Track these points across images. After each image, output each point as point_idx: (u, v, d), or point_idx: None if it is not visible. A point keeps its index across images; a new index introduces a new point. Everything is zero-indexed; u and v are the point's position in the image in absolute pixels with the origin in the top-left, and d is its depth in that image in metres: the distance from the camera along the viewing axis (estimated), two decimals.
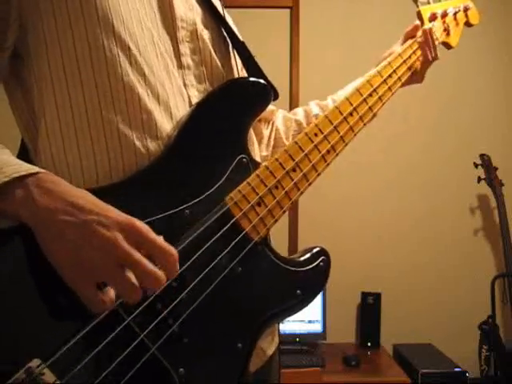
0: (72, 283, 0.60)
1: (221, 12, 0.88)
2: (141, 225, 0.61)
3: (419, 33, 1.11)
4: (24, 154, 0.80)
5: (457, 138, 2.86)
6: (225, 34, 0.88)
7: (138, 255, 0.60)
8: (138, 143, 0.73)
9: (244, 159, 0.80)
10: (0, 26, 0.72)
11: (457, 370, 2.43)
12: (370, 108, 0.94)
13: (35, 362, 0.58)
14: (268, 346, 0.88)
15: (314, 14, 2.83)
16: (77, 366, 0.60)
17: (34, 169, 0.63)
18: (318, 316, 2.65)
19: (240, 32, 0.92)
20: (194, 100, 0.81)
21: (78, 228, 0.60)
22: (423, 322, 2.81)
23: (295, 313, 0.82)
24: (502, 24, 2.86)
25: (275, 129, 1.08)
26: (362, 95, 0.93)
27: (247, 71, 0.90)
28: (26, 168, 0.63)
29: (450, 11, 1.18)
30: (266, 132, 1.07)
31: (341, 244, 2.70)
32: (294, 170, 0.82)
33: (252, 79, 0.83)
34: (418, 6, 1.13)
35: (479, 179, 2.72)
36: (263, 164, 0.81)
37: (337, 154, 0.88)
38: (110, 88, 0.73)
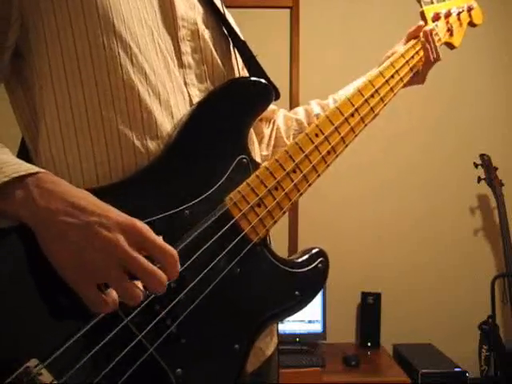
0: (74, 284, 0.60)
1: (222, 11, 0.88)
2: (141, 225, 0.61)
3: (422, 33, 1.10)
4: (24, 154, 0.79)
5: (457, 138, 2.86)
6: (226, 33, 0.88)
7: (139, 257, 0.59)
8: (137, 143, 0.73)
9: (244, 159, 0.79)
10: (1, 25, 0.71)
11: (457, 369, 2.43)
12: (371, 109, 0.93)
13: (33, 362, 0.58)
14: (267, 346, 0.88)
15: (313, 14, 2.82)
16: (74, 366, 0.60)
17: (33, 168, 0.63)
18: (318, 316, 2.65)
19: (240, 32, 0.91)
20: (195, 99, 0.80)
21: (81, 230, 0.59)
22: (423, 322, 2.80)
23: (293, 314, 0.82)
24: (503, 24, 2.86)
25: (276, 128, 1.07)
26: (363, 96, 0.93)
27: (248, 71, 0.89)
28: (25, 168, 0.63)
29: (454, 11, 1.17)
30: (266, 131, 1.07)
31: (341, 244, 2.70)
32: (294, 171, 0.82)
33: (253, 79, 0.83)
34: (421, 6, 1.12)
35: (479, 179, 2.71)
36: (263, 165, 0.80)
37: (337, 156, 0.88)
38: (110, 86, 0.72)
